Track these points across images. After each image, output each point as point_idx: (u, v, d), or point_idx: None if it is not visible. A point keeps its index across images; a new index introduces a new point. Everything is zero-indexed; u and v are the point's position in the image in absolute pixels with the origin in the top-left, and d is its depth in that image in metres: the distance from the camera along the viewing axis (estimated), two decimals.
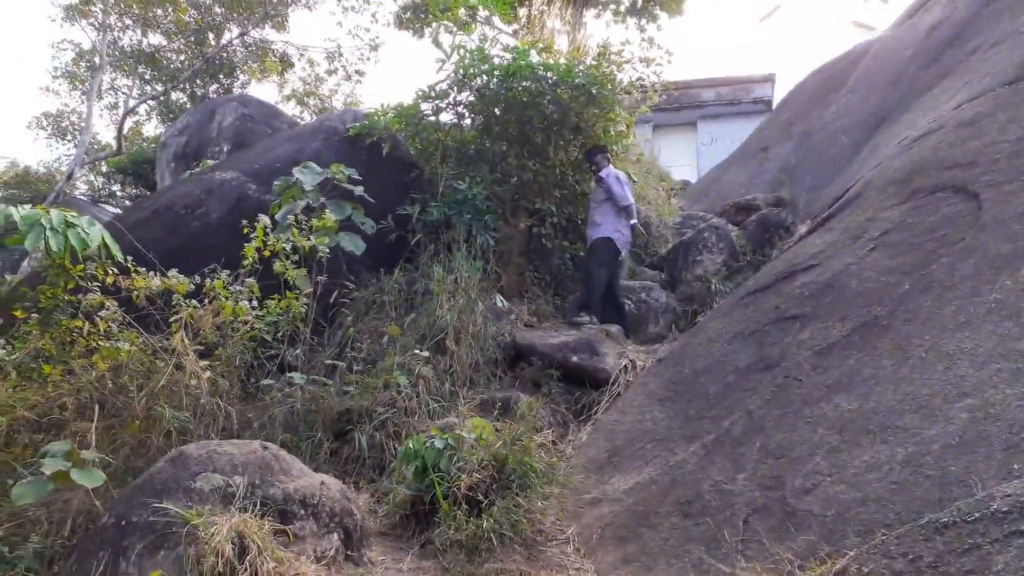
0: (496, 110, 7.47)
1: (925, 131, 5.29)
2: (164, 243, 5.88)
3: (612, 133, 8.04)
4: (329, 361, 5.58)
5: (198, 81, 18.62)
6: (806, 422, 3.52)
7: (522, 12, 12.55)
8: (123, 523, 2.93)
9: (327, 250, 5.20)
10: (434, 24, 8.10)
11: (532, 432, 4.54)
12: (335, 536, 3.39)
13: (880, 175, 5.25)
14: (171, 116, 18.04)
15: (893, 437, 3.03)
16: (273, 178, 6.34)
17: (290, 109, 18.81)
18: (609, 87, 7.58)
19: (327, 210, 5.63)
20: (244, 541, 2.89)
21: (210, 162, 8.86)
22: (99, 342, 4.25)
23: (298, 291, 4.97)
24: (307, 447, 4.65)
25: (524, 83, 7.22)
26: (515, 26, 12.10)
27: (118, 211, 14.45)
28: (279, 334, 5.01)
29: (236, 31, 18.40)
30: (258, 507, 3.11)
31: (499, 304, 6.42)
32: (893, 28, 10.59)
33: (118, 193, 18.78)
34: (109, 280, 4.41)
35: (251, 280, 4.74)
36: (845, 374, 3.62)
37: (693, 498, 3.64)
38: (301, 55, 19.47)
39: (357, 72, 19.71)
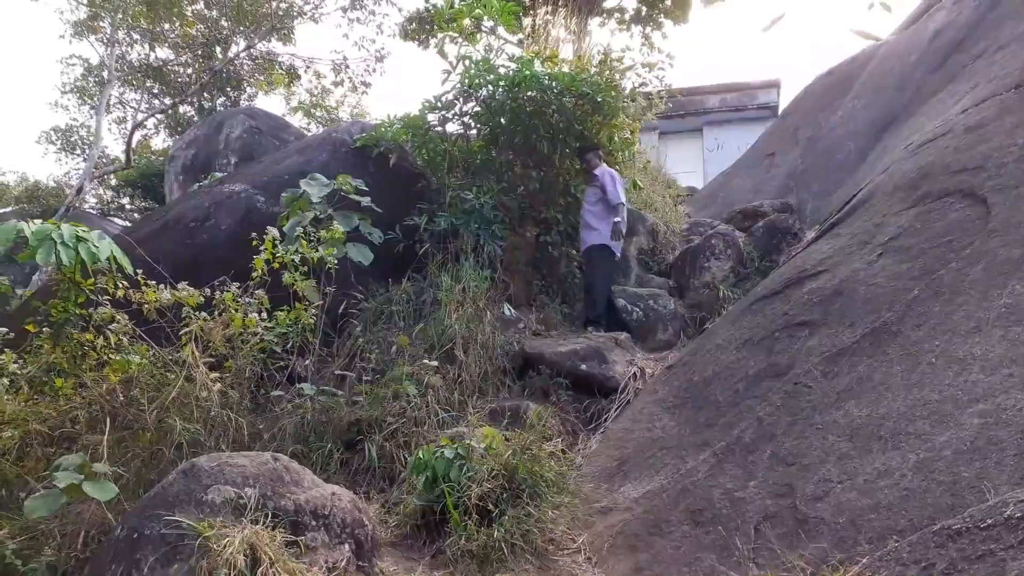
0: (502, 120, 7.49)
1: (932, 136, 5.29)
2: (174, 256, 5.90)
3: (618, 140, 8.06)
4: (339, 371, 5.60)
5: (206, 94, 18.78)
6: (816, 429, 3.51)
7: (527, 22, 12.59)
8: (135, 536, 2.94)
9: (335, 261, 5.21)
10: (439, 35, 8.13)
11: (542, 441, 4.55)
12: (346, 547, 3.39)
13: (887, 180, 5.24)
14: (179, 129, 18.19)
15: (904, 443, 3.02)
16: (281, 190, 6.37)
17: (297, 121, 18.97)
18: (613, 95, 7.60)
19: (335, 221, 5.65)
20: (256, 553, 2.89)
21: (218, 174, 8.89)
22: (110, 355, 4.27)
23: (307, 302, 4.99)
24: (317, 458, 4.65)
25: (529, 93, 7.24)
26: (520, 36, 12.14)
27: (127, 224, 14.56)
28: (288, 345, 5.02)
29: (243, 44, 18.58)
30: (269, 519, 3.11)
31: (507, 313, 6.42)
32: (898, 32, 10.59)
33: (127, 206, 18.92)
34: (120, 293, 4.43)
35: (260, 292, 4.75)
36: (855, 380, 3.61)
37: (704, 506, 3.63)
38: (308, 67, 19.65)
39: (363, 83, 19.88)
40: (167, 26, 17.69)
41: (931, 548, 2.26)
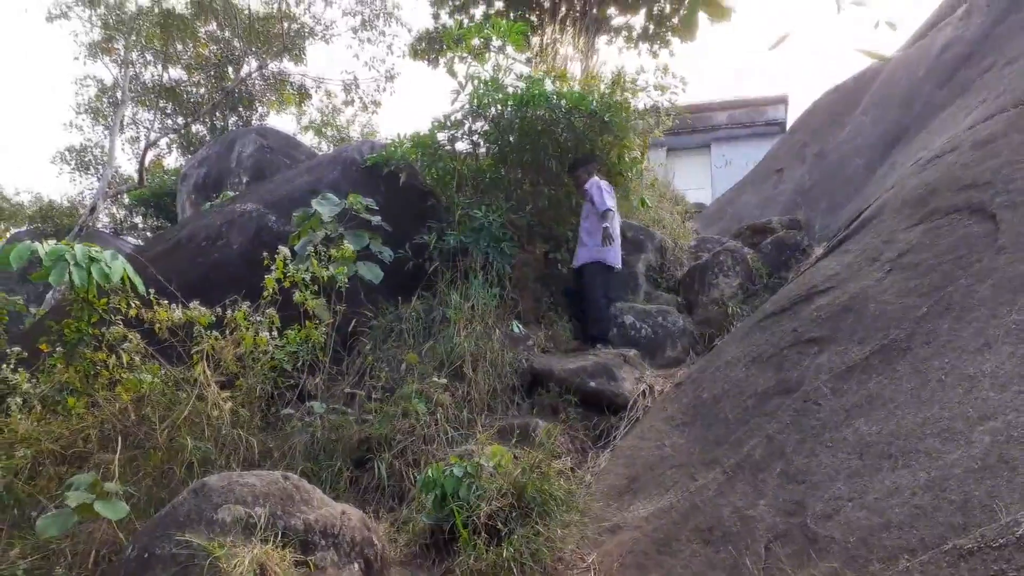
0: (511, 138, 7.54)
1: (940, 151, 5.28)
2: (185, 274, 5.96)
3: (627, 159, 8.09)
4: (348, 389, 5.61)
5: (218, 114, 19.00)
6: (826, 446, 3.49)
7: (535, 41, 12.69)
8: (146, 555, 2.96)
9: (346, 279, 5.25)
10: (448, 54, 8.20)
11: (551, 459, 4.54)
12: (356, 566, 3.39)
13: (895, 196, 5.24)
14: (191, 148, 18.40)
15: (914, 461, 3.01)
16: (292, 208, 6.43)
17: (308, 140, 19.20)
18: (623, 115, 7.64)
19: (345, 240, 5.70)
20: (265, 572, 2.90)
21: (230, 193, 8.98)
22: (122, 374, 4.32)
23: (317, 320, 5.02)
24: (327, 476, 4.66)
25: (538, 111, 7.30)
26: (528, 55, 12.23)
27: (140, 243, 14.68)
28: (299, 363, 5.05)
29: (255, 64, 18.82)
30: (279, 538, 3.12)
31: (516, 330, 6.43)
32: (905, 49, 10.60)
33: (140, 225, 19.08)
34: (132, 313, 4.48)
35: (271, 311, 4.79)
36: (864, 398, 3.60)
37: (714, 524, 3.61)
38: (318, 87, 19.88)
39: (373, 102, 20.08)
40: (180, 47, 17.96)
41: (943, 568, 2.25)
